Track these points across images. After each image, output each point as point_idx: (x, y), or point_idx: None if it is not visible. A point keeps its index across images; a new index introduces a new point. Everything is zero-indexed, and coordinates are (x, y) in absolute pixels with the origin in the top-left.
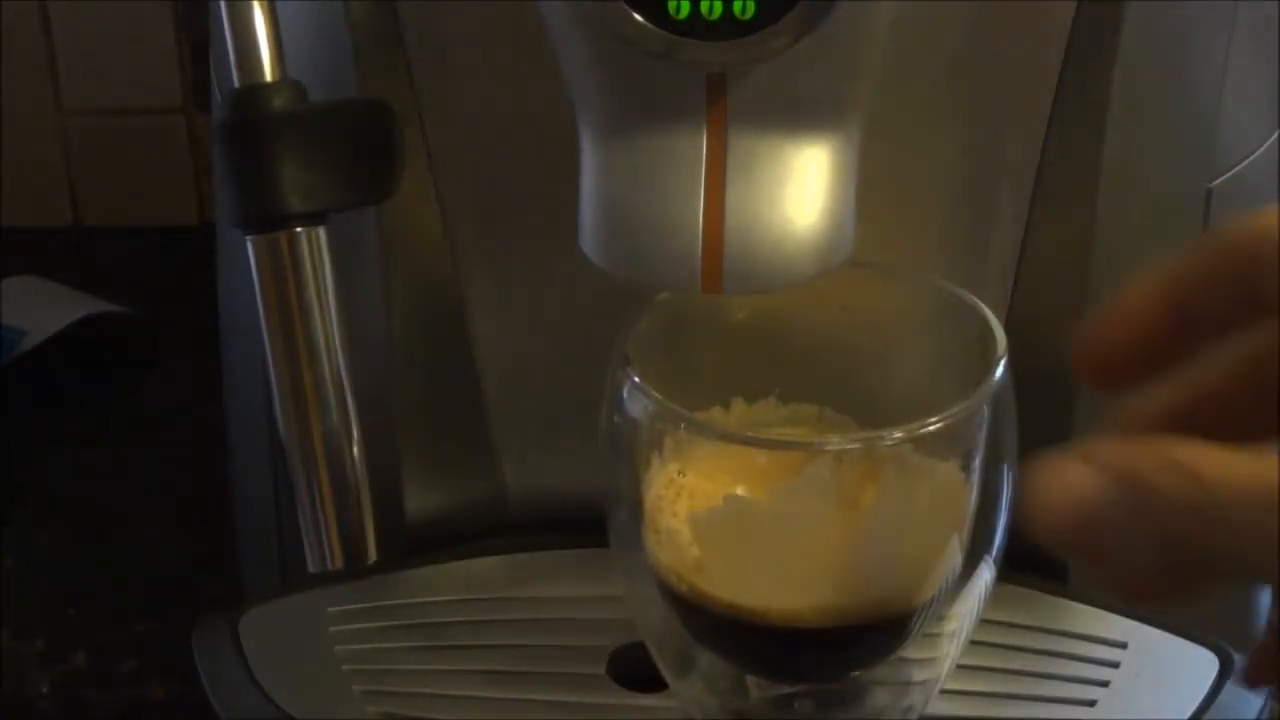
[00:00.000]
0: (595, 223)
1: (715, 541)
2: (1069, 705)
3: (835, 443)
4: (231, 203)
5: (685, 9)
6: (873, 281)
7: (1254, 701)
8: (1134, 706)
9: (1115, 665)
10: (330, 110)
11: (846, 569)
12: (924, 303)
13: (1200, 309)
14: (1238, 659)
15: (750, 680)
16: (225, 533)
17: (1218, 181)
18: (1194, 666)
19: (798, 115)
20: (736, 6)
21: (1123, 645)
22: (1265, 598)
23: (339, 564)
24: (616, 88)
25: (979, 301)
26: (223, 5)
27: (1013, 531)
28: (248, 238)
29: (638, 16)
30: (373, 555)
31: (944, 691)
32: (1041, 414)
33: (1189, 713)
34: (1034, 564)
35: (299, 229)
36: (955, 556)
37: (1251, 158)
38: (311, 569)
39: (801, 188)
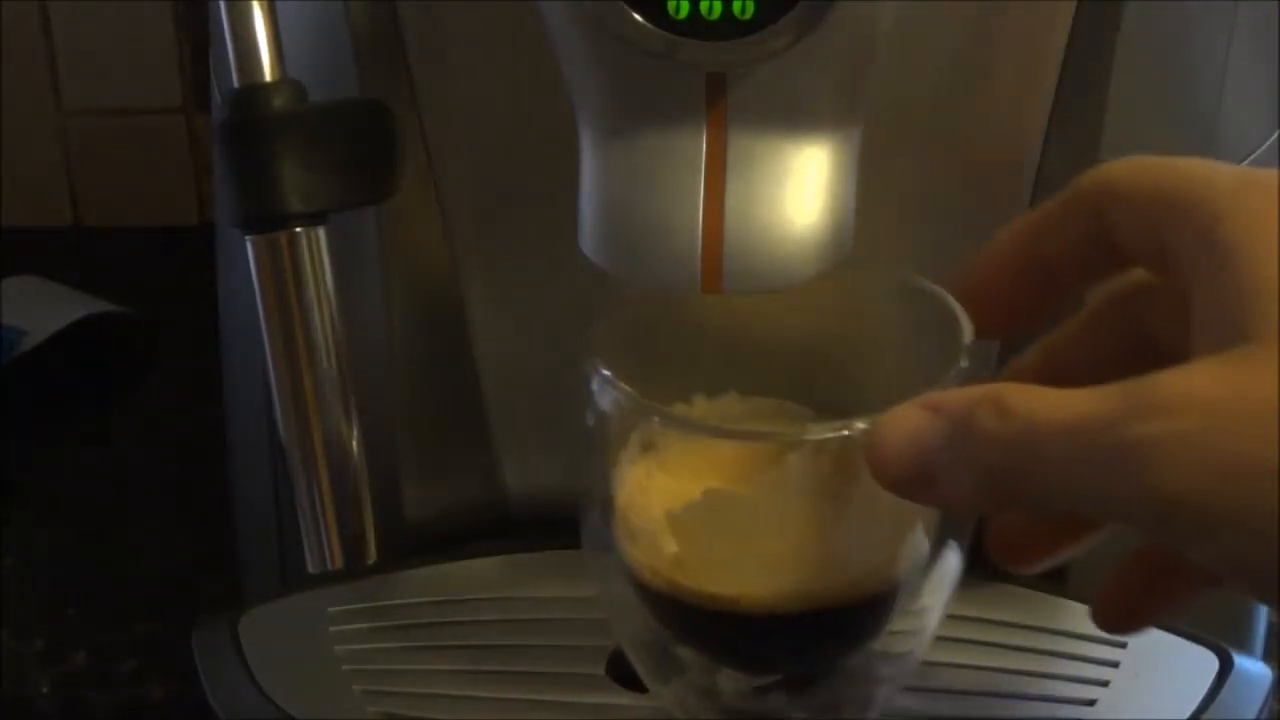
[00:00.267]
0: (595, 223)
1: (694, 536)
2: (1069, 705)
3: (814, 433)
4: (231, 203)
5: (685, 9)
6: (835, 273)
7: (1254, 701)
8: (1134, 706)
9: (1115, 665)
10: (330, 110)
11: (821, 553)
12: (888, 293)
13: (1061, 254)
14: (1236, 659)
15: (725, 674)
16: (225, 533)
17: None
18: (1194, 666)
19: (797, 115)
20: (736, 6)
21: (1122, 645)
22: None
23: (339, 564)
24: (616, 88)
25: (944, 291)
26: (223, 5)
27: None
28: (248, 238)
29: (637, 16)
30: (373, 555)
31: (944, 691)
32: None
33: (1189, 713)
34: None
35: (299, 229)
36: (921, 539)
37: (1251, 158)
38: (311, 569)
39: (801, 188)
